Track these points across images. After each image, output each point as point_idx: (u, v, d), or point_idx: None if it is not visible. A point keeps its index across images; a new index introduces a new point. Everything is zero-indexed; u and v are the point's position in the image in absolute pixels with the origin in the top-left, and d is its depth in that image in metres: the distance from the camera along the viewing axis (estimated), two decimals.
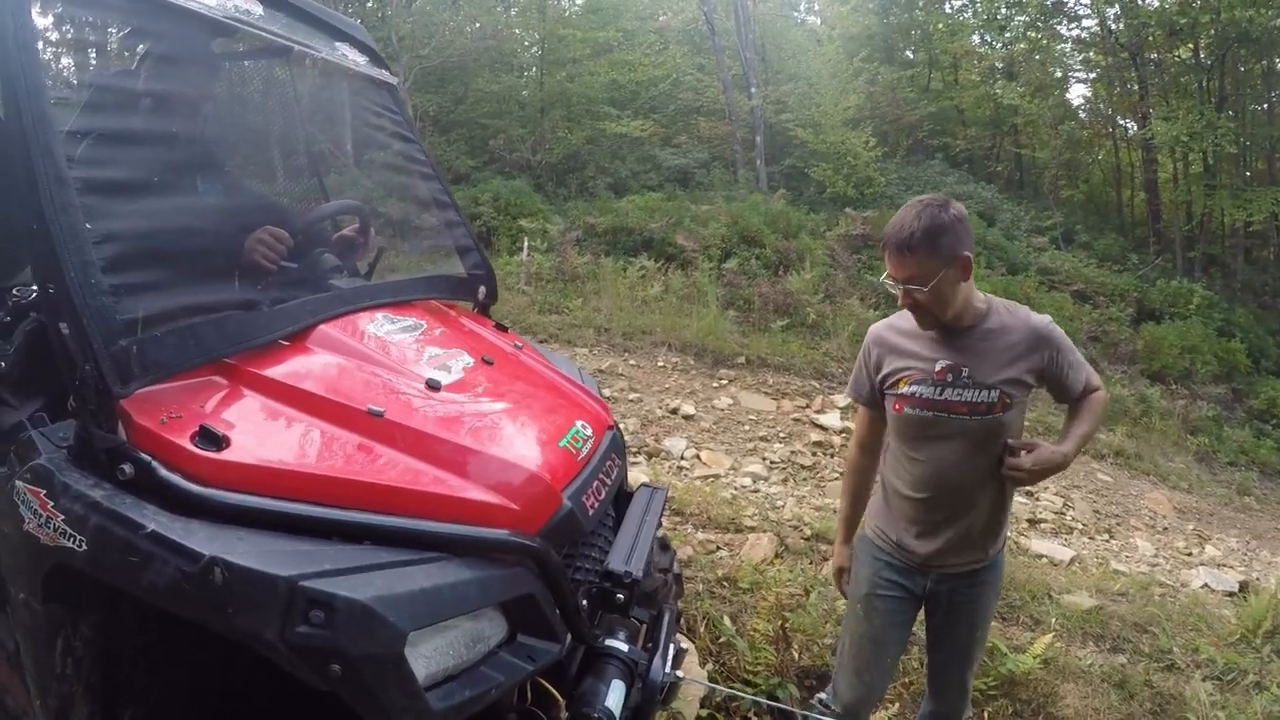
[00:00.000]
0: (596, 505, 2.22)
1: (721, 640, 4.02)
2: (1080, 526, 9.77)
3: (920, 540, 2.76)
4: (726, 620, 4.14)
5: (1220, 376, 16.78)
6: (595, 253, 13.83)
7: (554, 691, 2.07)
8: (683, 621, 3.98)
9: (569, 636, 2.02)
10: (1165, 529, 10.60)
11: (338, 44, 3.04)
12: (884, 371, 2.71)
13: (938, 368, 2.62)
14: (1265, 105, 22.96)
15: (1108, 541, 9.61)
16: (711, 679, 3.75)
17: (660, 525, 3.23)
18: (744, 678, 3.85)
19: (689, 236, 14.44)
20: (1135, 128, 23.38)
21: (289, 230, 2.65)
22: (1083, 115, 26.29)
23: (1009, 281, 16.50)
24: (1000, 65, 25.48)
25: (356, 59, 3.12)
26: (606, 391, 9.78)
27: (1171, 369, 16.27)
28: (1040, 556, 8.05)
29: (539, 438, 2.20)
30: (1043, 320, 2.66)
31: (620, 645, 2.19)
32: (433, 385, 2.21)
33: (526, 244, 13.36)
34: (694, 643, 3.94)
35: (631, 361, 10.96)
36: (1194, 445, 14.33)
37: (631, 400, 9.84)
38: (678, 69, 21.56)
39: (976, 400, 2.62)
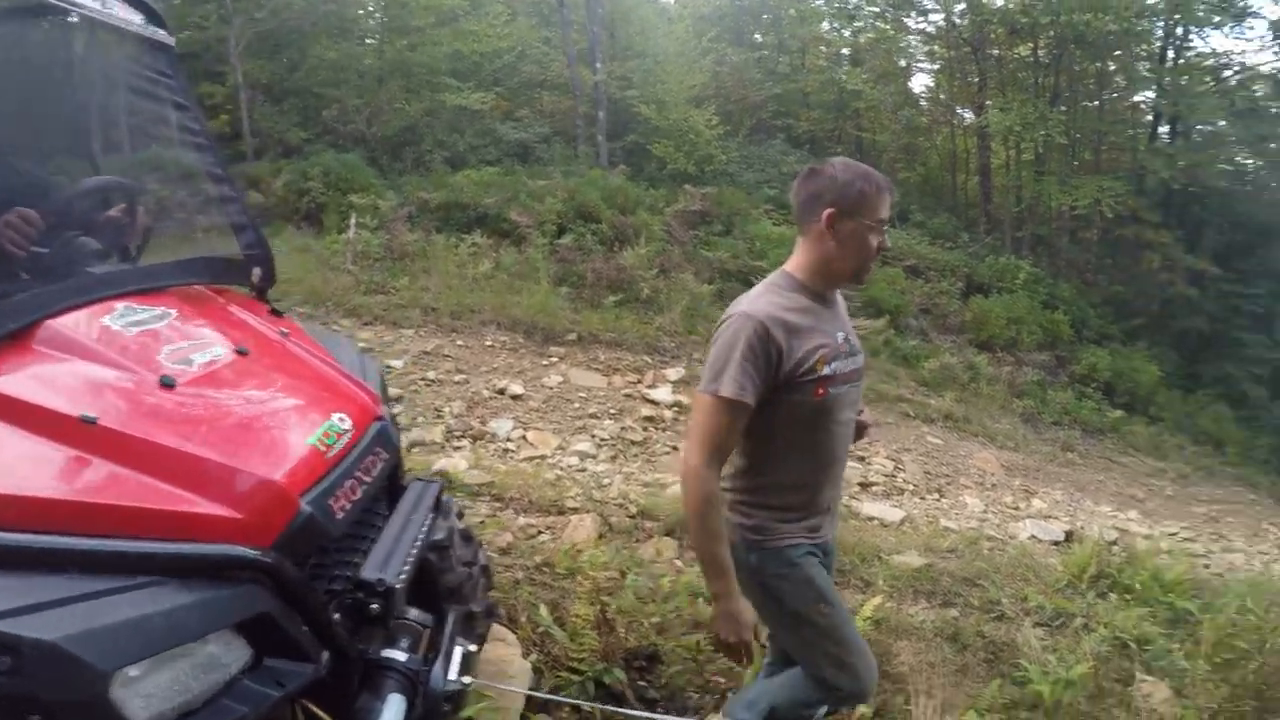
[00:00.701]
0: (349, 507, 2.05)
1: (542, 629, 3.93)
2: (911, 488, 10.25)
3: (826, 519, 2.78)
4: (543, 609, 4.05)
5: (1044, 345, 17.95)
6: (427, 229, 13.61)
7: (323, 715, 1.91)
8: (504, 612, 3.90)
9: (325, 654, 1.89)
10: (994, 486, 11.26)
11: (109, 1, 2.77)
12: (796, 357, 2.46)
13: (839, 339, 2.59)
14: (1096, 102, 24.58)
15: (938, 501, 10.11)
16: (536, 670, 3.68)
17: (460, 517, 3.19)
18: (570, 665, 3.76)
19: (524, 212, 14.35)
20: (972, 116, 24.61)
21: (46, 211, 2.45)
22: (923, 103, 27.61)
23: None
24: (847, 52, 26.47)
25: (129, 17, 2.85)
26: (432, 374, 9.75)
27: (998, 338, 17.25)
28: (872, 519, 8.31)
29: (282, 437, 2.05)
30: None
31: (398, 655, 2.11)
32: (166, 383, 2.00)
33: (354, 221, 13.00)
34: (516, 633, 3.84)
35: (459, 342, 10.84)
36: (1020, 408, 15.31)
37: (458, 382, 9.74)
38: (524, 41, 21.30)
39: (858, 365, 2.71)
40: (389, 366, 9.62)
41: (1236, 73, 24.68)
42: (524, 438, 8.71)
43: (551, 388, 10.19)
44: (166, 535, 1.67)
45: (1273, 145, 25.30)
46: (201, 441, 1.85)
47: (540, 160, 18.17)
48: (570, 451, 8.58)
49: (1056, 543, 8.78)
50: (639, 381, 11.07)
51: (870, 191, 2.55)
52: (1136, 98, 25.64)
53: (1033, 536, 8.89)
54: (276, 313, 2.96)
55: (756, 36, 27.78)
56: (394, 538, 2.26)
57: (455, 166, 16.60)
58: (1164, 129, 25.08)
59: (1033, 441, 14.16)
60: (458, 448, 8.02)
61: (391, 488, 2.52)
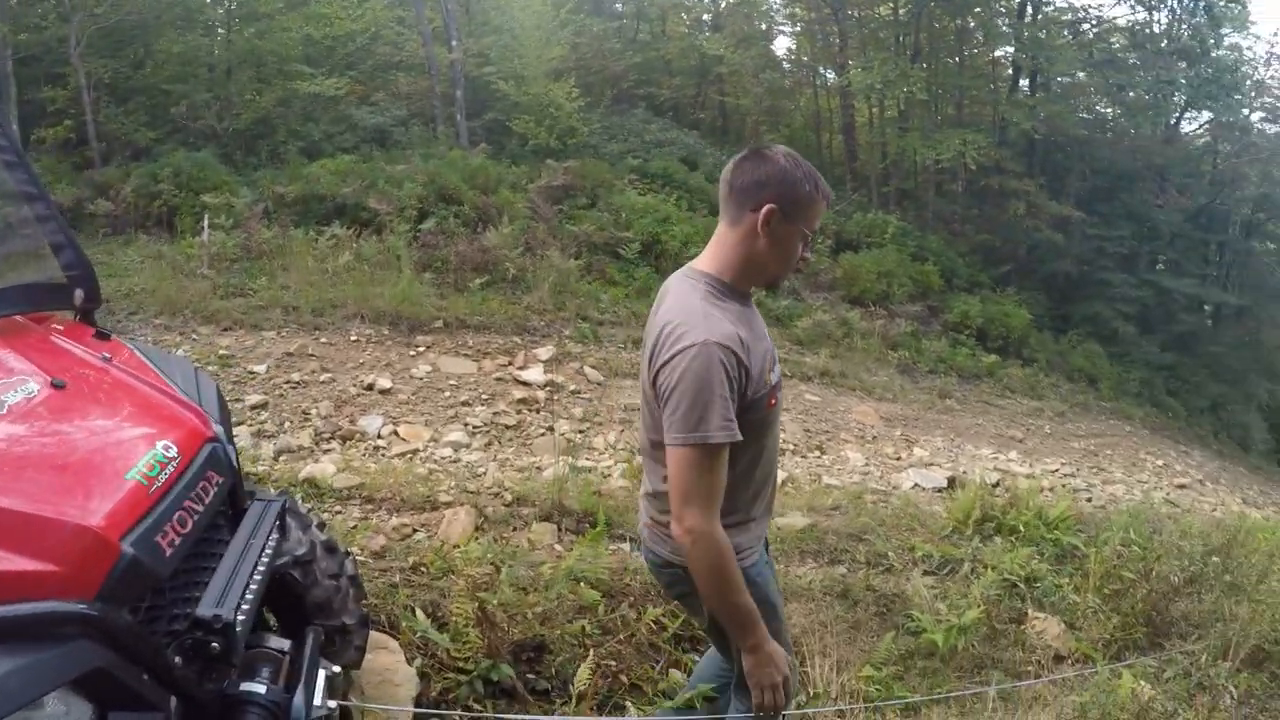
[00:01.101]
0: (179, 542, 1.96)
1: (422, 634, 3.89)
2: (792, 447, 10.43)
3: (766, 519, 2.76)
4: (419, 614, 3.99)
5: (916, 296, 18.56)
6: (284, 225, 13.26)
7: None
8: (383, 619, 3.90)
9: (172, 699, 1.82)
10: (874, 438, 11.58)
11: None
12: (754, 372, 2.33)
13: (769, 341, 2.50)
14: (956, 59, 25.39)
15: (820, 458, 10.33)
16: (422, 674, 3.65)
17: (321, 528, 3.08)
18: (456, 666, 3.73)
19: (383, 199, 14.14)
20: (835, 76, 25.26)
21: None
22: (785, 65, 28.21)
23: (710, 222, 16.90)
24: (708, 18, 26.97)
25: None
26: (296, 376, 9.60)
27: (870, 293, 17.73)
28: None
29: (99, 476, 1.93)
30: None
31: (257, 688, 2.03)
32: None
33: (207, 222, 12.62)
34: (398, 639, 3.79)
35: (323, 339, 10.67)
36: (895, 359, 15.83)
37: (324, 381, 9.62)
38: (376, 22, 20.72)
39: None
40: (251, 372, 9.47)
41: (1094, 26, 25.89)
42: (395, 433, 8.68)
43: (421, 378, 10.14)
44: None
45: (1131, 94, 26.66)
46: (11, 493, 1.74)
47: (399, 144, 17.90)
48: (443, 443, 8.58)
49: (940, 490, 9.09)
50: (510, 364, 11.07)
51: (815, 197, 2.41)
52: (996, 53, 26.46)
53: (916, 485, 9.25)
54: (104, 335, 2.84)
55: (616, 6, 28.01)
56: (232, 567, 2.19)
57: (311, 156, 16.21)
58: (1024, 82, 26.12)
59: (910, 391, 14.63)
60: (327, 450, 7.94)
61: (233, 509, 2.44)
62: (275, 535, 2.48)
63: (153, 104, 17.13)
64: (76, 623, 1.63)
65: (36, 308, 2.75)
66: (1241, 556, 6.67)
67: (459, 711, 3.49)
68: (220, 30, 19.59)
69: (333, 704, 2.25)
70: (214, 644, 1.95)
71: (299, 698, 2.10)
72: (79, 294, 2.87)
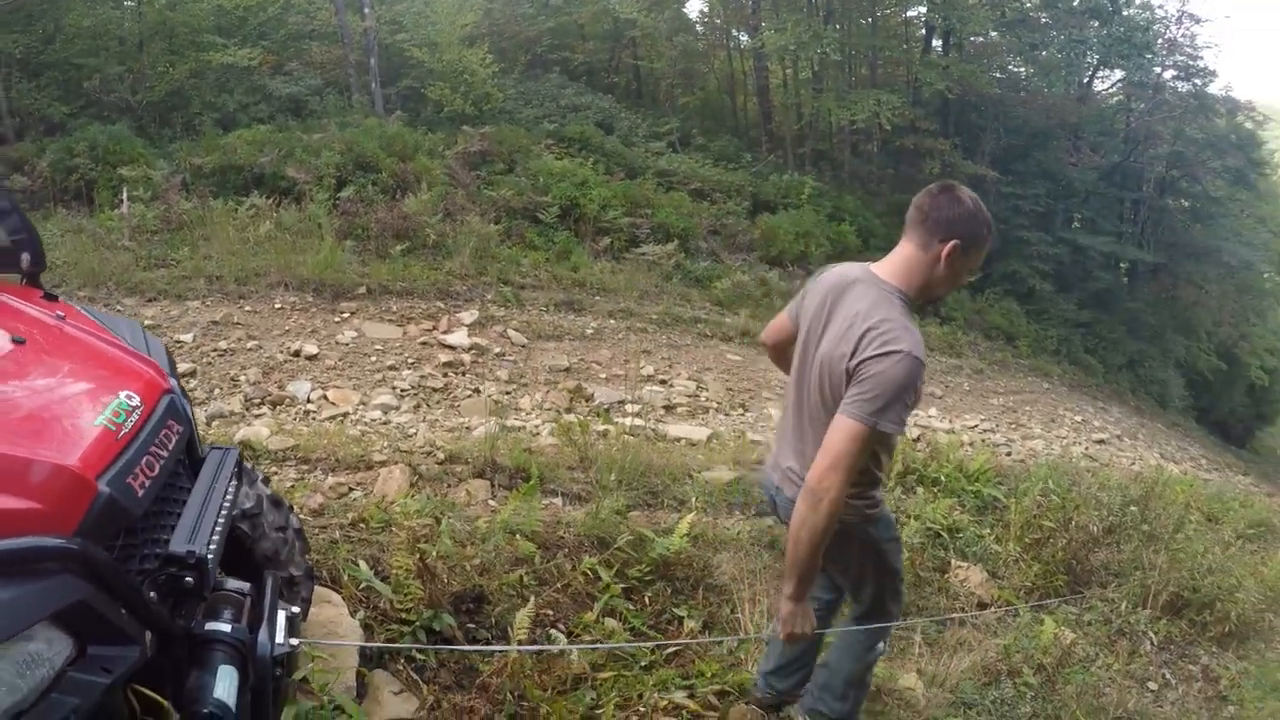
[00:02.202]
0: (149, 484, 2.08)
1: (365, 585, 4.06)
2: (715, 405, 10.95)
3: None
4: (363, 565, 4.18)
5: (833, 256, 18.85)
6: (203, 196, 13.51)
7: (155, 697, 1.95)
8: (325, 574, 3.99)
9: (148, 634, 1.91)
10: None
11: None
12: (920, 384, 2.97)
13: None
14: (869, 19, 25.92)
15: (743, 415, 10.81)
16: (365, 626, 3.80)
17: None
18: (399, 618, 3.92)
19: (301, 168, 14.43)
20: (747, 39, 25.81)
21: None
22: (699, 28, 28.51)
23: (628, 185, 17.88)
24: None
25: None
26: (223, 343, 9.77)
27: (788, 253, 18.42)
28: (679, 439, 8.76)
29: (71, 421, 2.05)
30: None
31: (223, 627, 2.12)
32: None
33: (126, 194, 12.90)
34: (340, 593, 3.94)
35: (248, 308, 10.89)
36: None
37: (250, 349, 9.90)
38: None
39: None
40: (178, 341, 9.64)
41: None
42: (324, 397, 8.96)
43: (346, 344, 10.43)
44: None
45: (1043, 53, 27.26)
46: None
47: (314, 113, 18.13)
48: (372, 406, 8.84)
49: None
50: (434, 329, 11.44)
51: (987, 241, 2.99)
52: (909, 13, 27.13)
53: None
54: (51, 297, 2.96)
55: None
56: (199, 508, 2.30)
57: (227, 128, 16.45)
58: (937, 42, 26.65)
59: None
60: (258, 415, 8.15)
61: (190, 459, 2.54)
62: (234, 482, 2.61)
63: (65, 78, 17.18)
64: (59, 557, 1.71)
65: None
66: (1159, 508, 7.15)
67: (412, 646, 3.75)
68: (130, 2, 19.57)
69: (295, 641, 2.35)
70: (188, 579, 2.08)
71: (263, 635, 2.21)
72: (25, 257, 3.04)
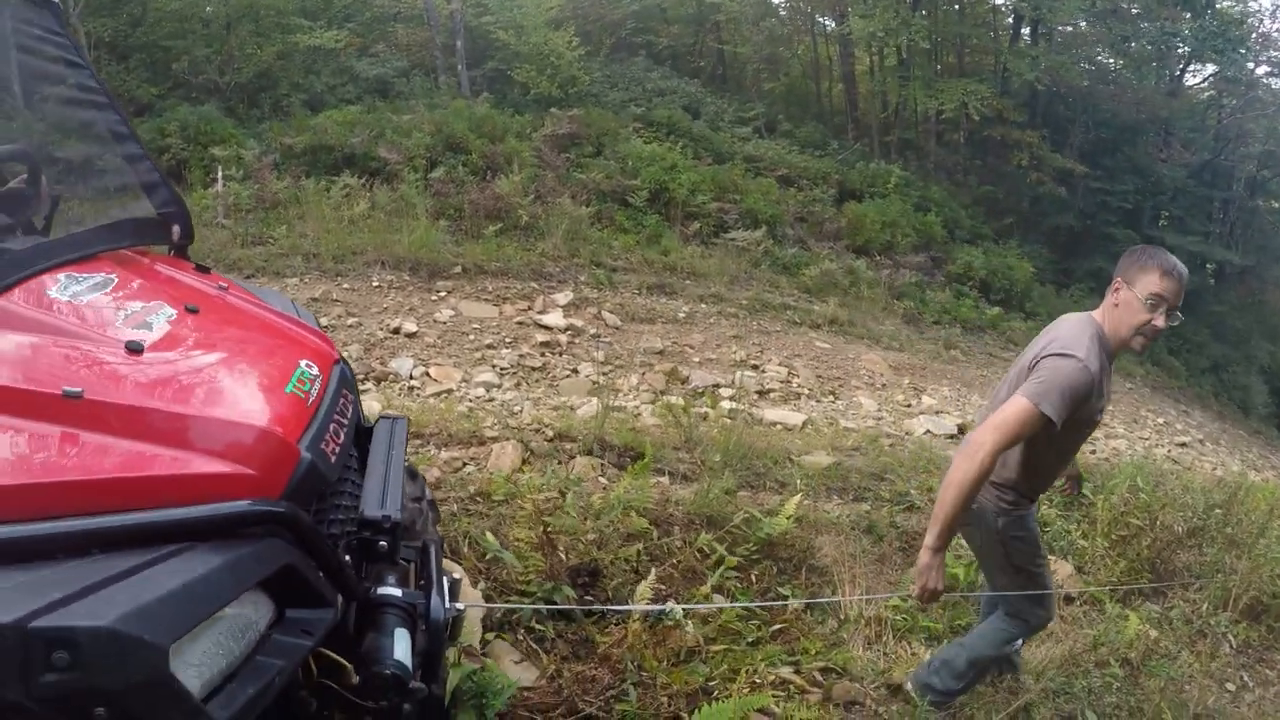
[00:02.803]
0: (338, 450, 2.13)
1: (488, 557, 4.13)
2: (807, 392, 10.89)
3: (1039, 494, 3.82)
4: (489, 535, 4.25)
5: (919, 246, 18.99)
6: (295, 175, 13.61)
7: (338, 659, 1.96)
8: (445, 546, 3.98)
9: (339, 598, 1.93)
10: (884, 386, 12.03)
11: None
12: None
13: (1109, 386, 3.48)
14: (957, 6, 25.54)
15: (834, 402, 10.76)
16: (486, 597, 3.90)
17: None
18: (518, 589, 4.01)
19: (392, 149, 14.49)
20: (834, 24, 25.50)
21: None
22: (783, 13, 28.29)
23: (716, 170, 17.77)
24: None
25: None
26: (324, 320, 9.67)
27: (874, 242, 18.18)
28: (775, 424, 8.82)
29: (263, 387, 2.07)
30: None
31: (394, 591, 2.12)
32: (134, 348, 1.97)
33: (221, 174, 12.97)
34: (460, 564, 4.02)
35: (345, 285, 11.01)
36: (901, 309, 16.35)
37: (350, 326, 9.96)
38: None
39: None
40: None
41: None
42: (427, 374, 9.00)
43: (444, 322, 10.48)
44: (178, 501, 1.68)
45: (1133, 45, 26.70)
46: (190, 401, 1.87)
47: (401, 95, 18.17)
48: (475, 383, 8.87)
49: (950, 436, 9.50)
50: (529, 308, 11.47)
51: (1160, 274, 3.26)
52: (997, 1, 26.56)
53: (928, 431, 9.68)
54: (204, 269, 2.96)
55: None
56: (381, 474, 2.35)
57: (315, 109, 16.53)
58: (1026, 31, 26.26)
59: (916, 341, 15.13)
60: (364, 391, 8.08)
61: (357, 428, 2.57)
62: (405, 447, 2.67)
63: (153, 61, 17.51)
64: (270, 521, 1.74)
65: (140, 242, 2.85)
66: (1242, 514, 7.03)
67: (528, 607, 3.86)
68: None
69: (460, 605, 2.41)
70: (381, 542, 2.15)
71: (435, 599, 2.24)
72: (177, 229, 3.02)
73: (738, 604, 4.34)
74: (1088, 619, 5.27)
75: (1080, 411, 3.24)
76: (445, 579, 2.41)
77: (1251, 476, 11.97)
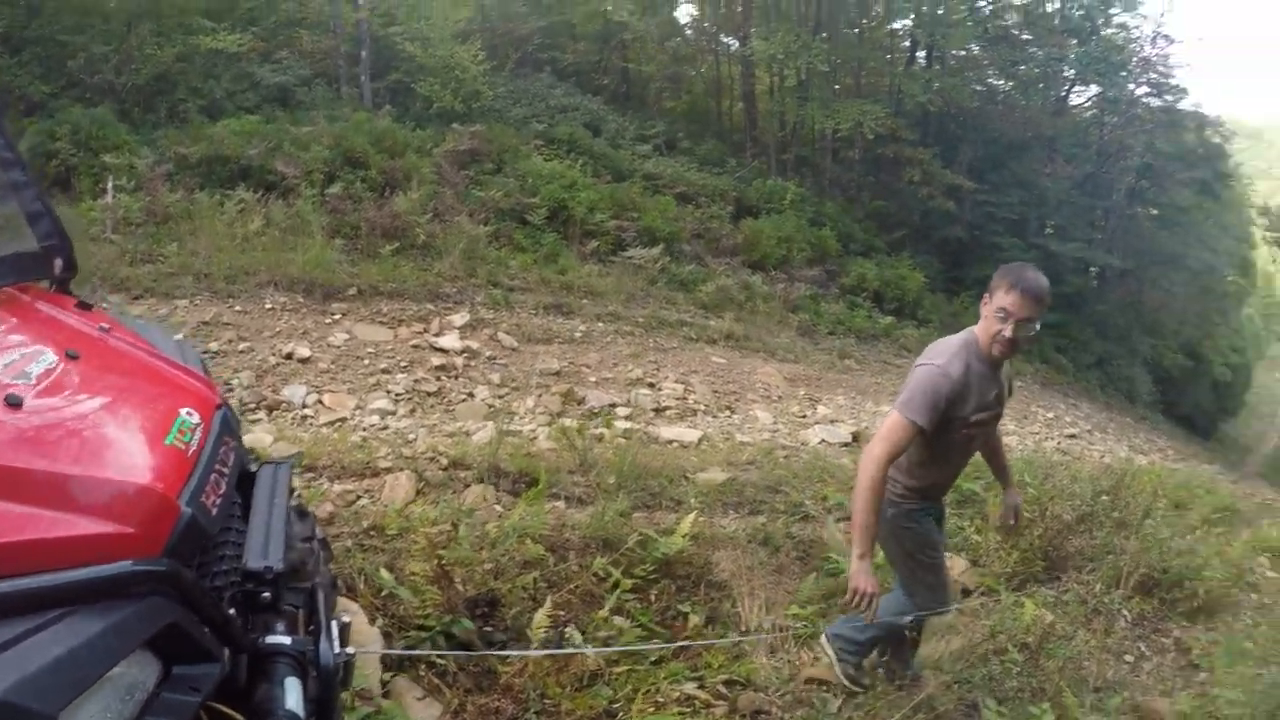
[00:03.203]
0: (219, 501, 2.07)
1: (384, 593, 4.08)
2: (703, 408, 10.92)
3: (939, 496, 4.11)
4: (384, 571, 4.21)
5: (814, 260, 19.43)
6: (189, 188, 13.03)
7: (230, 712, 1.88)
8: (340, 583, 3.92)
9: (226, 651, 1.89)
10: (780, 398, 12.13)
11: None
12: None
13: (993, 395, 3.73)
14: (856, 30, 26.44)
15: (730, 417, 10.80)
16: (385, 634, 3.84)
17: (292, 494, 3.16)
18: (416, 624, 3.96)
19: (289, 162, 14.06)
20: (736, 45, 25.82)
21: None
22: (688, 32, 28.81)
23: (615, 188, 17.82)
24: None
25: None
26: (215, 345, 9.50)
27: (770, 258, 18.50)
28: (671, 442, 8.80)
29: (143, 440, 2.00)
30: None
31: (283, 640, 2.08)
32: (13, 402, 1.84)
33: (111, 184, 12.33)
34: (357, 601, 3.97)
35: (237, 308, 10.61)
36: (796, 322, 16.63)
37: (242, 351, 9.59)
38: None
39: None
40: None
41: (990, 3, 26.96)
42: (320, 402, 8.78)
43: (339, 346, 10.22)
44: (59, 564, 1.61)
45: (1022, 68, 27.91)
46: (70, 459, 1.79)
47: (302, 104, 17.66)
48: (369, 410, 8.70)
49: (845, 444, 9.68)
50: (425, 331, 11.31)
51: (1009, 287, 3.50)
52: (895, 25, 27.57)
53: (823, 441, 9.82)
54: (85, 305, 2.80)
55: None
56: (264, 523, 2.29)
57: (213, 116, 15.93)
58: (921, 54, 27.12)
59: (811, 352, 15.43)
60: (255, 421, 7.98)
61: (240, 474, 2.47)
62: (292, 494, 2.61)
63: (48, 55, 16.47)
64: (153, 580, 1.69)
65: (21, 279, 2.70)
66: (1129, 497, 7.41)
67: (426, 654, 3.78)
68: None
69: (351, 650, 2.38)
70: (264, 594, 2.10)
71: (324, 645, 2.20)
72: (59, 263, 2.85)
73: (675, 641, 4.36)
74: (985, 610, 5.39)
75: (951, 414, 3.54)
76: (335, 623, 2.39)
77: (1138, 460, 12.83)
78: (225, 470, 2.19)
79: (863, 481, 3.46)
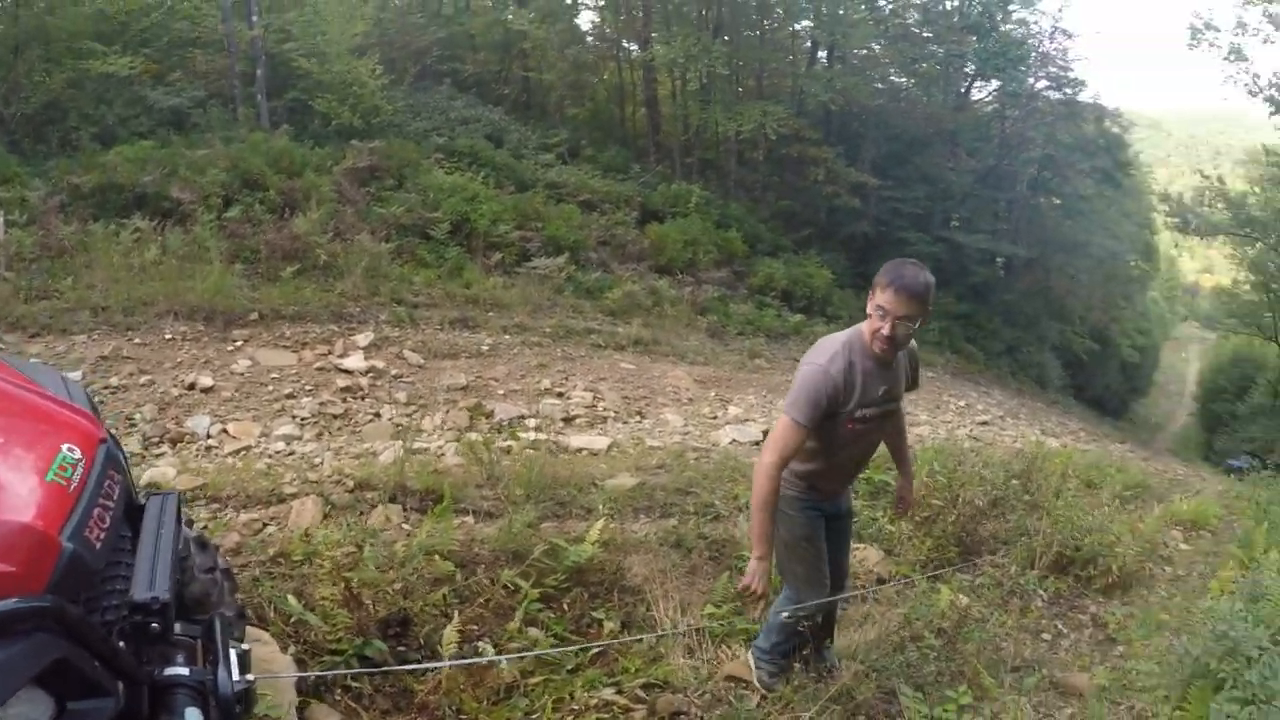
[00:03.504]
0: (104, 535, 2.08)
1: (294, 620, 4.05)
2: (613, 414, 11.02)
3: (835, 491, 4.23)
4: (291, 598, 4.17)
5: (721, 262, 19.79)
6: (83, 219, 12.73)
7: None
8: (250, 613, 3.91)
9: (120, 684, 1.92)
10: (691, 400, 12.29)
11: None
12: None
13: (881, 391, 3.81)
14: (757, 32, 26.84)
15: (641, 422, 10.92)
16: (298, 660, 3.81)
17: (190, 525, 3.28)
18: (329, 649, 3.96)
19: (185, 187, 13.77)
20: (638, 50, 26.12)
21: None
22: (589, 39, 28.83)
23: (518, 199, 17.90)
24: None
25: None
26: (115, 380, 9.32)
27: (677, 261, 18.77)
28: (581, 450, 8.86)
29: (23, 478, 2.01)
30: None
31: (181, 671, 2.13)
32: None
33: (3, 218, 11.92)
34: (268, 630, 3.92)
35: (137, 340, 10.34)
36: (705, 324, 16.86)
37: (143, 385, 9.40)
38: None
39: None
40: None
41: (890, 1, 27.57)
42: (225, 431, 8.65)
43: (242, 374, 10.08)
44: None
45: (923, 65, 28.73)
46: None
47: (197, 127, 17.35)
48: (275, 437, 8.60)
49: (756, 442, 9.77)
50: (329, 352, 11.20)
51: (887, 285, 3.60)
52: (796, 26, 28.06)
53: (733, 441, 9.97)
54: None
55: None
56: (150, 555, 2.30)
57: (106, 143, 15.56)
58: (822, 55, 27.69)
59: (721, 354, 15.64)
60: (159, 455, 7.88)
61: (127, 507, 2.50)
62: (180, 525, 2.63)
63: None
64: (38, 617, 1.71)
65: None
66: (1040, 479, 7.76)
67: (348, 672, 3.81)
68: (4, 4, 18.44)
69: (250, 677, 2.40)
70: (153, 625, 2.10)
71: (222, 674, 2.23)
72: None
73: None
74: (901, 598, 5.54)
75: (834, 410, 3.67)
76: (233, 651, 2.40)
77: (1050, 443, 12.97)
78: (110, 504, 2.20)
79: (757, 494, 3.63)
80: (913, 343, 3.92)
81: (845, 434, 3.80)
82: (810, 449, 3.84)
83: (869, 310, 3.63)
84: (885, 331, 3.55)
